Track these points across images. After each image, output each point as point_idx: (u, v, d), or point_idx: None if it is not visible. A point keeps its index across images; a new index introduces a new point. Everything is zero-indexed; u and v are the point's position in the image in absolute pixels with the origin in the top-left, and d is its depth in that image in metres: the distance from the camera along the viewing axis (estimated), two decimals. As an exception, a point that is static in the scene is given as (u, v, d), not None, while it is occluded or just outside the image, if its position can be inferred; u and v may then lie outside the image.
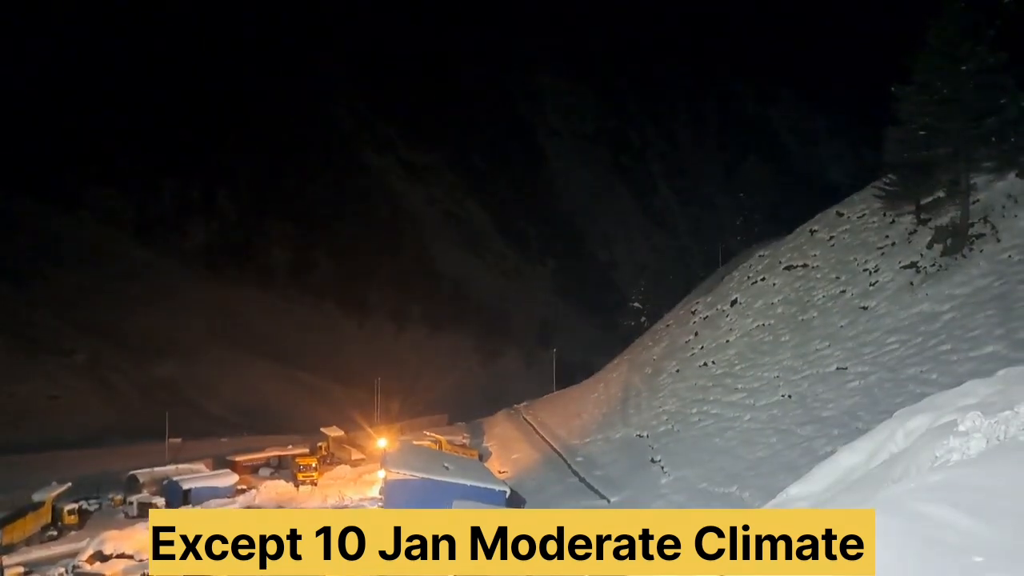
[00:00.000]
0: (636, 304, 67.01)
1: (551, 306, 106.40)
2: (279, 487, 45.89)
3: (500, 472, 46.82)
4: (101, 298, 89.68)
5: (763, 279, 45.62)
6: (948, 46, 32.78)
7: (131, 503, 40.77)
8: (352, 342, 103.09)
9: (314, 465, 52.09)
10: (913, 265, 34.94)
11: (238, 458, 52.34)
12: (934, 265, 33.85)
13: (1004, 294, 28.80)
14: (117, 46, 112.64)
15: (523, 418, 62.31)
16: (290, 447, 56.48)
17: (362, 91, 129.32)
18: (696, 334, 47.27)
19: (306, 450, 56.13)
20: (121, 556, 32.36)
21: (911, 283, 34.19)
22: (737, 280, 48.45)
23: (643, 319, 63.90)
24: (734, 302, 46.19)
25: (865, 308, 35.74)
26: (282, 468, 52.61)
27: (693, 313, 50.39)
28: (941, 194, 36.64)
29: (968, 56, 32.65)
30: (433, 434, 58.55)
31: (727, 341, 43.18)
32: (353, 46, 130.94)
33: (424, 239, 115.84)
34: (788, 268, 44.15)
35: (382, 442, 52.97)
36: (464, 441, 58.78)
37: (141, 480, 43.92)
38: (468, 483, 36.03)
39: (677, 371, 45.30)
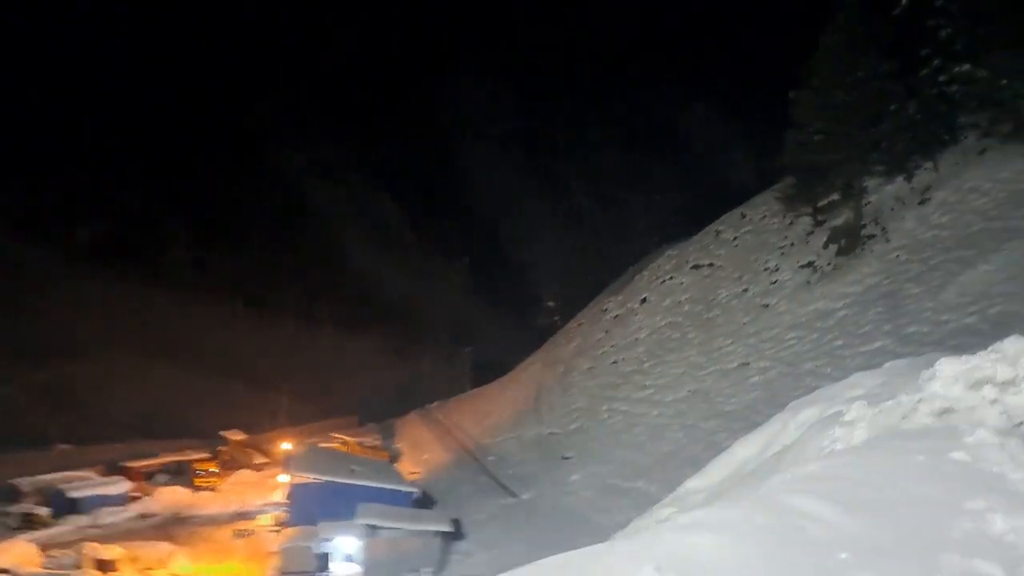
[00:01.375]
0: (550, 303, 67.52)
1: (466, 305, 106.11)
2: (176, 493, 43.91)
3: (411, 473, 46.17)
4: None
5: (671, 278, 46.62)
6: (842, 53, 34.22)
7: (11, 514, 38.07)
8: (258, 342, 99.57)
9: (214, 470, 50.27)
10: (810, 264, 36.37)
11: (132, 464, 49.66)
12: (829, 264, 35.32)
13: (892, 292, 30.27)
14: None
15: (435, 418, 61.85)
16: (188, 452, 54.07)
17: (267, 84, 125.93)
18: (607, 332, 47.92)
19: (206, 454, 53.98)
20: (2, 571, 30.20)
21: (808, 282, 35.57)
22: (647, 279, 49.37)
23: (556, 318, 64.41)
24: (644, 300, 47.04)
25: (766, 306, 36.99)
26: (180, 474, 50.27)
27: (604, 312, 51.07)
28: (836, 196, 38.24)
29: (861, 64, 34.19)
30: (342, 436, 57.31)
31: (636, 339, 43.93)
32: (258, 38, 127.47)
33: (334, 236, 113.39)
34: (695, 267, 45.26)
35: (286, 445, 51.48)
36: (375, 443, 57.81)
37: (23, 489, 41.06)
38: (375, 485, 35.24)
39: (589, 369, 45.81)
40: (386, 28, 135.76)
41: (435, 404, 69.48)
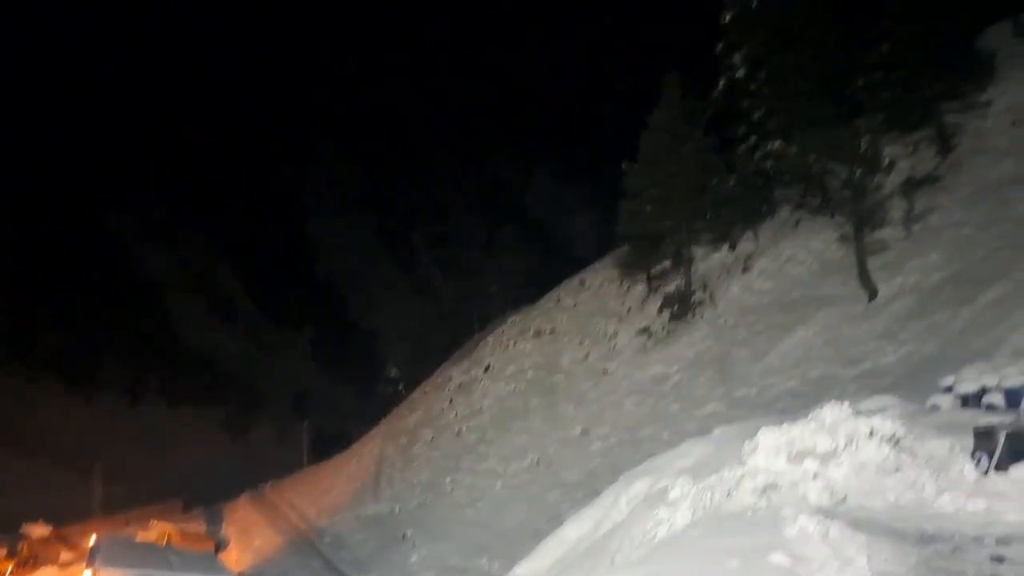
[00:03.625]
0: (394, 372, 65.67)
1: (308, 376, 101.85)
2: (-42, 601, 37.68)
3: (238, 563, 42.60)
4: None
5: (515, 344, 46.43)
6: (668, 129, 36.03)
7: None
8: (77, 421, 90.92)
9: (9, 570, 44.04)
10: (646, 330, 37.19)
11: (-92, 568, 42.50)
12: (664, 330, 36.25)
13: (722, 356, 31.28)
14: None
15: (269, 499, 57.68)
16: (-20, 550, 47.08)
17: (97, 142, 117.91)
18: (451, 401, 46.76)
19: (3, 552, 47.27)
20: None
21: (645, 346, 36.28)
22: (491, 346, 48.95)
23: (401, 387, 62.57)
24: (488, 368, 46.43)
25: (606, 371, 37.33)
26: (-31, 577, 43.55)
27: (449, 380, 49.99)
28: (668, 264, 39.72)
29: (685, 138, 36.11)
30: (162, 524, 52.06)
31: (480, 408, 43.07)
32: (96, 95, 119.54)
33: (167, 306, 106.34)
34: (537, 334, 45.34)
35: (95, 538, 45.91)
36: (199, 530, 52.95)
37: None
38: (192, 578, 31.62)
39: (431, 440, 44.29)
40: (227, 88, 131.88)
41: (269, 483, 64.97)
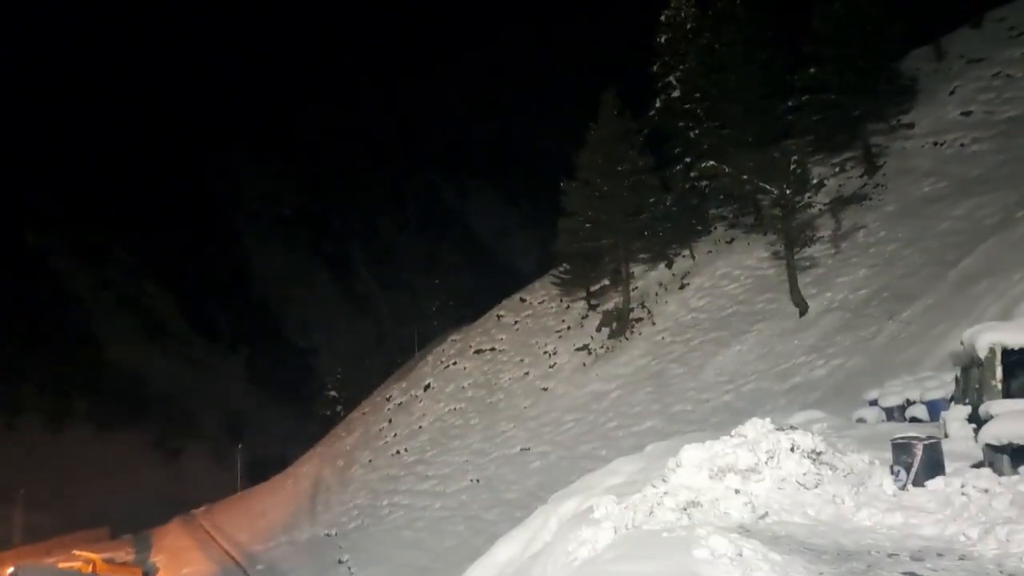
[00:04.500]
0: (332, 392, 64.36)
1: (243, 397, 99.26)
2: None
3: (167, 591, 40.94)
4: None
5: (455, 363, 45.96)
6: (605, 147, 36.32)
7: None
8: (1, 446, 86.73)
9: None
10: (585, 347, 37.24)
11: None
12: (603, 347, 36.34)
13: (659, 372, 31.48)
14: None
15: (201, 524, 55.77)
16: None
17: (23, 154, 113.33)
18: (390, 421, 45.96)
19: (-89, 587, 44.49)
20: None
21: (584, 364, 36.30)
22: (431, 365, 48.35)
23: (339, 408, 61.29)
24: (427, 387, 45.84)
25: (546, 389, 37.19)
26: None
27: (388, 400, 49.17)
28: (607, 282, 39.94)
29: (622, 158, 36.43)
30: (86, 553, 49.82)
31: (420, 427, 42.41)
32: (13, 109, 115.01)
33: (93, 326, 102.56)
34: (478, 352, 44.99)
35: (11, 569, 43.63)
36: (127, 558, 50.91)
37: None
38: (117, 612, 30.29)
39: (369, 461, 43.39)
40: (159, 105, 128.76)
41: (202, 508, 62.89)
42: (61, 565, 45.38)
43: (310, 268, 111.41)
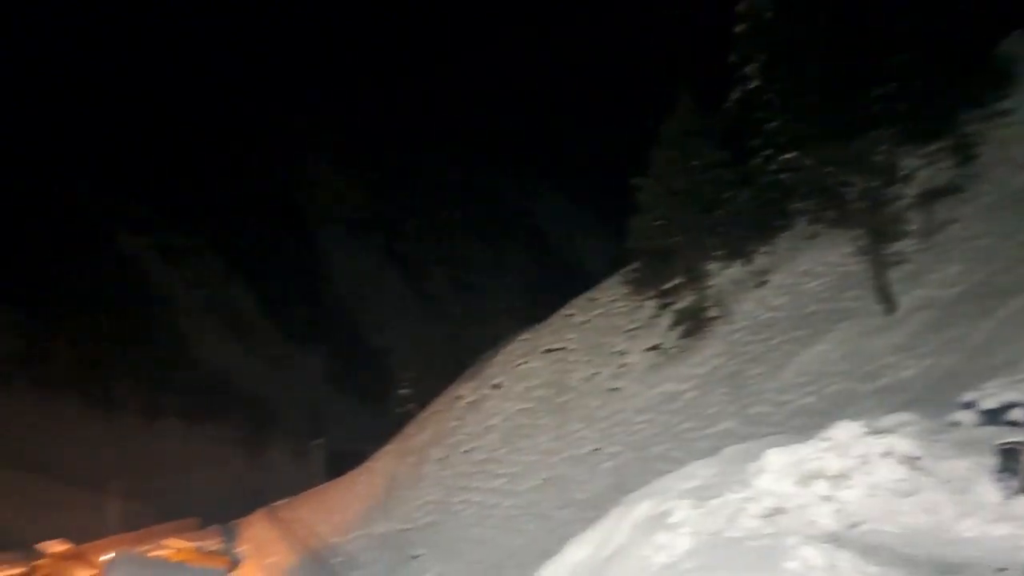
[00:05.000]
0: (405, 390, 65.34)
1: (322, 395, 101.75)
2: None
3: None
4: None
5: (524, 362, 45.96)
6: (678, 142, 35.52)
7: None
8: (96, 440, 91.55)
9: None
10: (657, 347, 36.55)
11: (-72, 586, 42.84)
12: (675, 347, 35.59)
13: (735, 373, 30.56)
14: None
15: (283, 516, 57.57)
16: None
17: (111, 167, 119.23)
18: (461, 420, 46.29)
19: (20, 570, 47.50)
20: None
21: (655, 364, 35.63)
22: (500, 364, 48.44)
23: (412, 405, 62.22)
24: (497, 386, 45.96)
25: (616, 389, 36.69)
26: (-12, 595, 43.89)
27: (458, 398, 49.53)
28: (680, 280, 39.06)
29: (696, 152, 35.56)
30: (178, 541, 52.19)
31: (490, 426, 42.60)
32: (102, 119, 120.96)
33: (183, 326, 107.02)
34: (547, 351, 44.85)
35: (108, 556, 46.03)
36: (214, 547, 53.09)
37: None
38: (204, 599, 31.73)
39: (441, 459, 43.86)
40: (238, 107, 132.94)
41: (284, 501, 64.91)
42: (154, 553, 47.63)
43: (384, 269, 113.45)
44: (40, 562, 47.86)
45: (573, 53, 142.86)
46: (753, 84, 36.28)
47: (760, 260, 36.57)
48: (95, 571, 46.88)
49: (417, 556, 35.39)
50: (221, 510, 67.90)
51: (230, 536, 58.42)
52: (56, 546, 50.37)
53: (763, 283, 34.73)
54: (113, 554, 46.11)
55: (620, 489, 27.16)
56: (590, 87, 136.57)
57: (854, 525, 6.54)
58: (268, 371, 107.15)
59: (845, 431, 7.76)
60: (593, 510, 27.61)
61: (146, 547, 50.43)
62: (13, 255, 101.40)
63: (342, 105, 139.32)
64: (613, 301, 44.55)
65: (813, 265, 33.16)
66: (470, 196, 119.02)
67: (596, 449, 33.08)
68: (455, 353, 63.95)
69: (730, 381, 30.03)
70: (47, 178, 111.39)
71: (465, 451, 42.18)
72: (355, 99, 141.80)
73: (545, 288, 62.71)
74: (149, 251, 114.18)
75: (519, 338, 50.38)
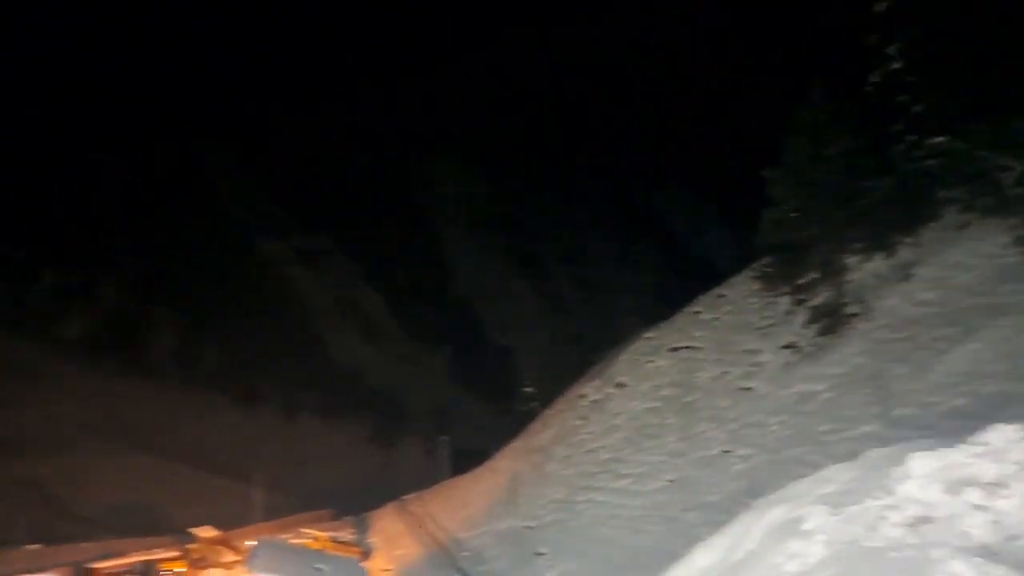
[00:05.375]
0: (529, 388, 65.60)
1: (447, 393, 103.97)
2: (142, 596, 41.08)
3: (383, 571, 44.06)
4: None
5: (649, 361, 45.01)
6: (814, 130, 33.66)
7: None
8: (240, 434, 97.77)
9: (181, 570, 47.58)
10: (792, 345, 34.82)
11: (97, 565, 46.97)
12: (811, 345, 33.76)
13: (878, 372, 28.62)
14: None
15: (411, 510, 59.19)
16: (158, 550, 51.27)
17: (252, 176, 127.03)
18: (585, 419, 45.97)
19: (175, 553, 51.13)
20: None
21: (790, 363, 33.94)
22: (625, 363, 47.70)
23: (535, 404, 62.47)
24: (621, 385, 45.28)
25: (747, 389, 35.25)
26: (148, 575, 47.57)
27: (582, 397, 49.18)
28: (815, 275, 37.05)
29: (833, 140, 33.58)
30: (313, 531, 54.74)
31: (614, 425, 42.02)
32: (244, 131, 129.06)
33: (316, 326, 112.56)
34: (673, 350, 43.72)
35: (251, 542, 48.80)
36: (348, 537, 55.32)
37: (-20, 596, 38.14)
38: (339, 586, 33.07)
39: (566, 457, 43.71)
40: (366, 115, 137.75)
41: (412, 495, 66.78)
42: (293, 541, 50.11)
43: (506, 268, 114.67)
44: (192, 546, 51.35)
45: (701, 38, 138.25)
46: (895, 65, 34.00)
47: (904, 252, 34.09)
48: (239, 556, 49.95)
49: (541, 554, 35.40)
50: (353, 502, 70.79)
51: (362, 527, 60.65)
52: (206, 531, 54.03)
53: (908, 277, 32.34)
54: (256, 540, 48.79)
55: (751, 493, 26.05)
56: (715, 75, 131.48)
57: (1011, 538, 5.83)
58: (396, 370, 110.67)
59: (1001, 435, 6.98)
60: (722, 514, 26.70)
61: (286, 535, 53.15)
62: (165, 260, 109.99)
63: (468, 107, 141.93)
64: (744, 298, 42.91)
65: (965, 257, 30.53)
66: (594, 193, 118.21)
67: (726, 451, 31.91)
68: (579, 351, 63.85)
69: (872, 381, 28.16)
70: (195, 190, 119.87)
71: (589, 450, 41.83)
72: (481, 101, 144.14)
73: (671, 285, 61.35)
74: (285, 256, 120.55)
75: (644, 336, 49.46)
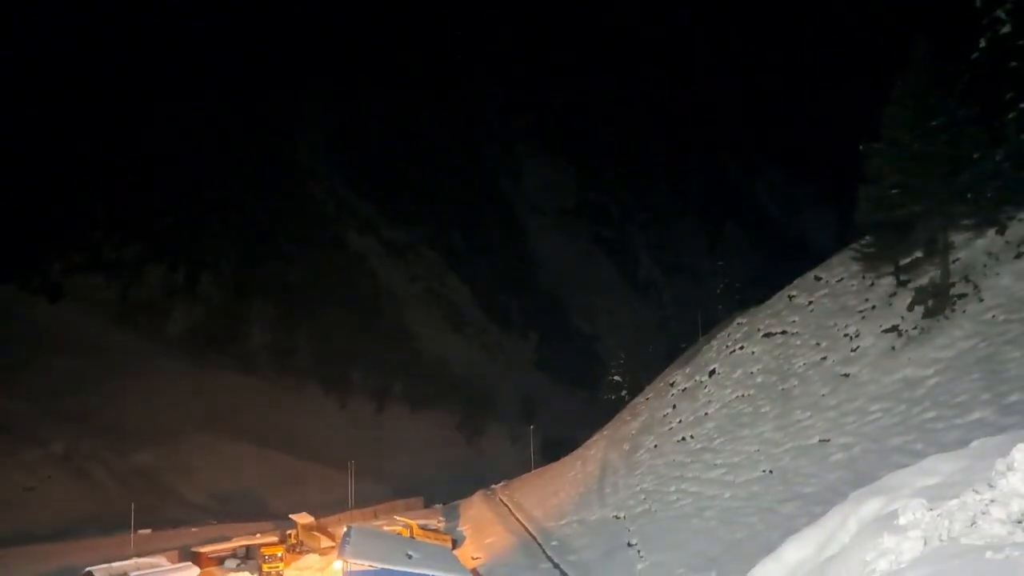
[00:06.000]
0: (616, 377, 64.84)
1: (534, 381, 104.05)
2: (243, 580, 42.86)
3: (473, 558, 44.17)
4: (80, 386, 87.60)
5: (742, 348, 43.62)
6: (916, 100, 31.67)
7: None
8: (333, 423, 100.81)
9: (280, 555, 49.18)
10: (894, 329, 33.05)
11: (202, 549, 49.10)
12: (916, 328, 31.95)
13: (989, 356, 26.84)
14: (98, 136, 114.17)
15: (499, 499, 59.38)
16: (258, 536, 53.28)
17: (342, 171, 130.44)
18: (674, 407, 44.99)
19: (274, 538, 53.02)
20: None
21: (893, 347, 32.21)
22: (715, 349, 46.41)
23: (623, 392, 61.61)
24: (712, 372, 44.07)
25: (847, 375, 33.70)
26: (249, 558, 49.44)
27: (672, 385, 48.17)
28: (919, 254, 35.01)
29: (937, 110, 31.51)
30: (404, 519, 55.58)
31: (706, 414, 40.92)
32: (333, 126, 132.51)
33: (405, 317, 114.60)
34: (767, 335, 42.21)
35: (346, 529, 49.97)
36: (438, 525, 55.85)
37: (96, 576, 40.54)
38: (430, 573, 33.50)
39: (655, 447, 42.87)
40: (453, 111, 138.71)
41: (500, 484, 67.05)
42: (385, 528, 51.02)
43: (592, 255, 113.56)
44: (290, 531, 53.12)
45: (794, 4, 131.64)
46: (1004, 29, 31.67)
47: (1016, 228, 31.79)
48: (334, 541, 51.40)
49: (632, 544, 34.82)
50: (443, 490, 71.75)
51: (452, 515, 61.20)
52: (304, 518, 55.85)
53: (1021, 254, 30.19)
54: (350, 526, 49.98)
55: (854, 484, 24.72)
56: (814, 43, 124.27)
57: None
58: (484, 359, 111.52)
59: None
60: (821, 505, 25.56)
61: (378, 522, 54.20)
62: (261, 257, 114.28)
63: (551, 93, 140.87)
64: (841, 280, 41.01)
65: (1088, 231, 28.28)
66: (681, 177, 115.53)
67: (824, 440, 30.56)
68: (668, 338, 62.60)
69: (982, 366, 26.40)
70: (288, 190, 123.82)
71: (680, 440, 40.92)
72: (558, 88, 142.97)
73: (764, 267, 59.30)
74: (375, 249, 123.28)
75: (736, 321, 48.02)
